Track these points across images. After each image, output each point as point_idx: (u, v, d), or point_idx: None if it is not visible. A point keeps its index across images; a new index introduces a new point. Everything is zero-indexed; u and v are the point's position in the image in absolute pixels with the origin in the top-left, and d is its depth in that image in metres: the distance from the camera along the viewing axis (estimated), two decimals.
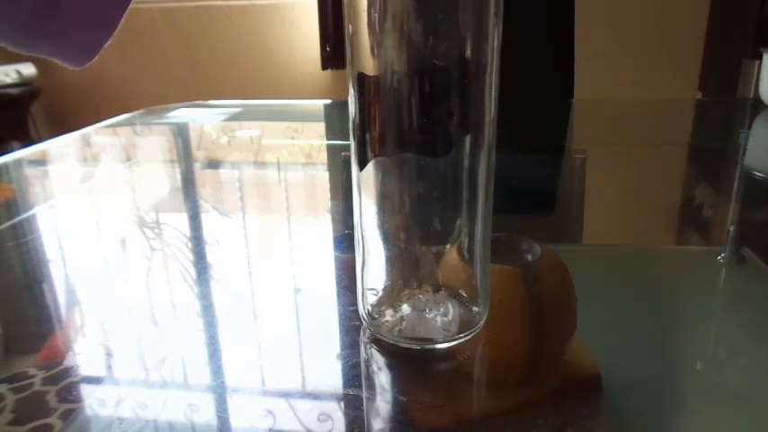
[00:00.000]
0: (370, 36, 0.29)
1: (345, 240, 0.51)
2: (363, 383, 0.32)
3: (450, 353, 0.32)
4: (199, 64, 2.26)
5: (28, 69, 2.17)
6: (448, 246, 0.32)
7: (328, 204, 0.64)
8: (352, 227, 0.34)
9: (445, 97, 0.29)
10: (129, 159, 0.85)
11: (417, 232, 0.33)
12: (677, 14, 1.84)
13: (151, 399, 0.31)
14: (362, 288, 0.34)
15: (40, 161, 0.84)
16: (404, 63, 0.28)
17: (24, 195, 0.69)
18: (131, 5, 0.28)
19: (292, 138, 0.96)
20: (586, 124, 1.02)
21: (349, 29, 0.29)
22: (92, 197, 0.69)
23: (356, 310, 0.34)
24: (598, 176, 0.76)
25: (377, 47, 0.29)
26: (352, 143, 0.32)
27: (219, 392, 0.31)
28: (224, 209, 0.62)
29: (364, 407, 0.30)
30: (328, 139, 0.96)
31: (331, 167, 0.78)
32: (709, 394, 0.32)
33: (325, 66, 2.04)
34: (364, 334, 0.35)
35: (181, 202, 0.66)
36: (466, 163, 0.30)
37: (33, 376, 0.33)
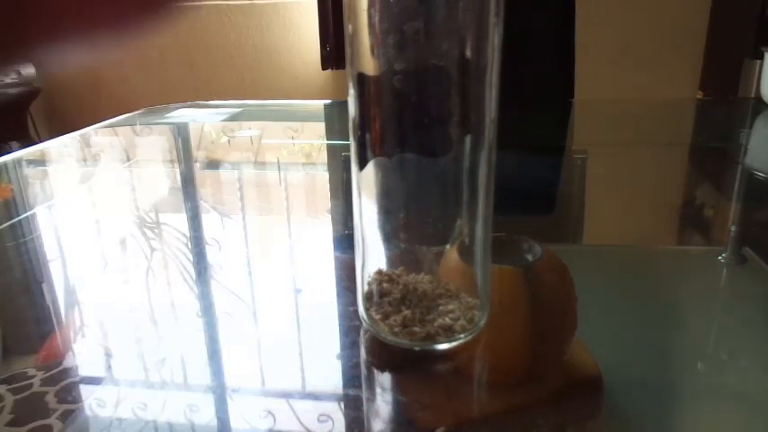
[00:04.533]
0: (370, 36, 0.29)
1: (345, 240, 0.50)
2: (363, 383, 0.32)
3: (451, 353, 0.32)
4: (198, 64, 2.26)
5: (27, 69, 2.17)
6: (448, 246, 0.32)
7: (328, 204, 0.64)
8: (352, 227, 0.34)
9: (445, 97, 0.29)
10: (129, 159, 0.85)
11: (417, 232, 0.33)
12: (678, 14, 1.84)
13: (151, 399, 0.31)
14: (362, 288, 0.34)
15: (40, 161, 0.84)
16: (404, 63, 0.28)
17: (24, 195, 0.69)
18: None
19: (292, 138, 0.96)
20: (586, 124, 1.02)
21: (349, 29, 0.29)
22: (92, 197, 0.69)
23: (356, 310, 0.34)
24: (598, 176, 0.75)
25: (377, 47, 0.28)
26: (352, 143, 0.31)
27: (219, 392, 0.31)
28: (224, 209, 0.62)
29: (364, 407, 0.30)
30: (328, 139, 0.96)
31: (331, 167, 0.78)
32: (710, 394, 0.32)
33: (325, 66, 2.04)
34: (364, 334, 0.35)
35: (181, 202, 0.66)
36: (466, 163, 0.30)
37: (33, 377, 0.33)
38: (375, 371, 0.33)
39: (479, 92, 0.29)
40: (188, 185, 0.72)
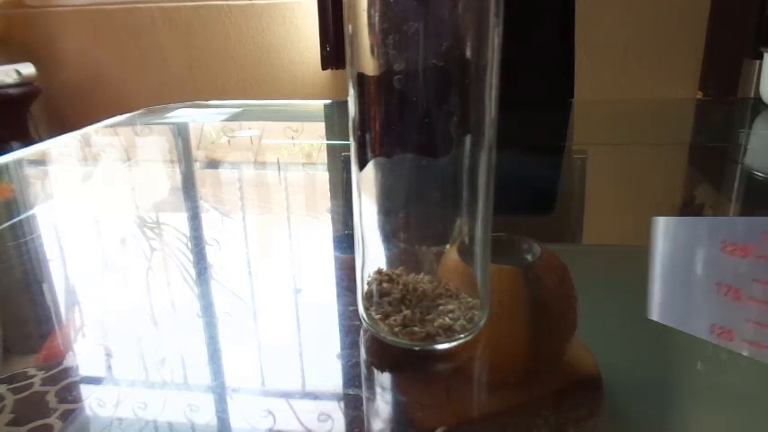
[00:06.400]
0: (370, 36, 0.29)
1: (345, 240, 0.51)
2: (363, 383, 0.32)
3: (451, 353, 0.32)
4: (198, 64, 2.26)
5: (28, 69, 2.17)
6: (448, 246, 0.32)
7: (328, 204, 0.64)
8: (352, 227, 0.34)
9: (445, 97, 0.29)
10: (129, 159, 0.85)
11: (417, 232, 0.33)
12: (678, 14, 1.84)
13: (151, 399, 0.31)
14: (362, 288, 0.34)
15: (40, 161, 0.84)
16: (404, 63, 0.28)
17: (24, 195, 0.69)
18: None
19: (292, 138, 0.96)
20: (586, 124, 1.02)
21: (349, 29, 0.29)
22: (92, 197, 0.69)
23: (356, 310, 0.34)
24: (598, 176, 0.75)
25: (377, 47, 0.29)
26: (352, 143, 0.31)
27: (219, 392, 0.31)
28: (224, 209, 0.62)
29: (364, 407, 0.30)
30: (328, 139, 0.96)
31: (331, 167, 0.78)
32: (710, 394, 0.32)
33: (325, 66, 2.04)
34: (364, 334, 0.35)
35: (181, 202, 0.66)
36: (466, 163, 0.30)
37: (33, 377, 0.33)
38: (375, 371, 0.33)
39: (479, 92, 0.29)
40: (188, 185, 0.72)
